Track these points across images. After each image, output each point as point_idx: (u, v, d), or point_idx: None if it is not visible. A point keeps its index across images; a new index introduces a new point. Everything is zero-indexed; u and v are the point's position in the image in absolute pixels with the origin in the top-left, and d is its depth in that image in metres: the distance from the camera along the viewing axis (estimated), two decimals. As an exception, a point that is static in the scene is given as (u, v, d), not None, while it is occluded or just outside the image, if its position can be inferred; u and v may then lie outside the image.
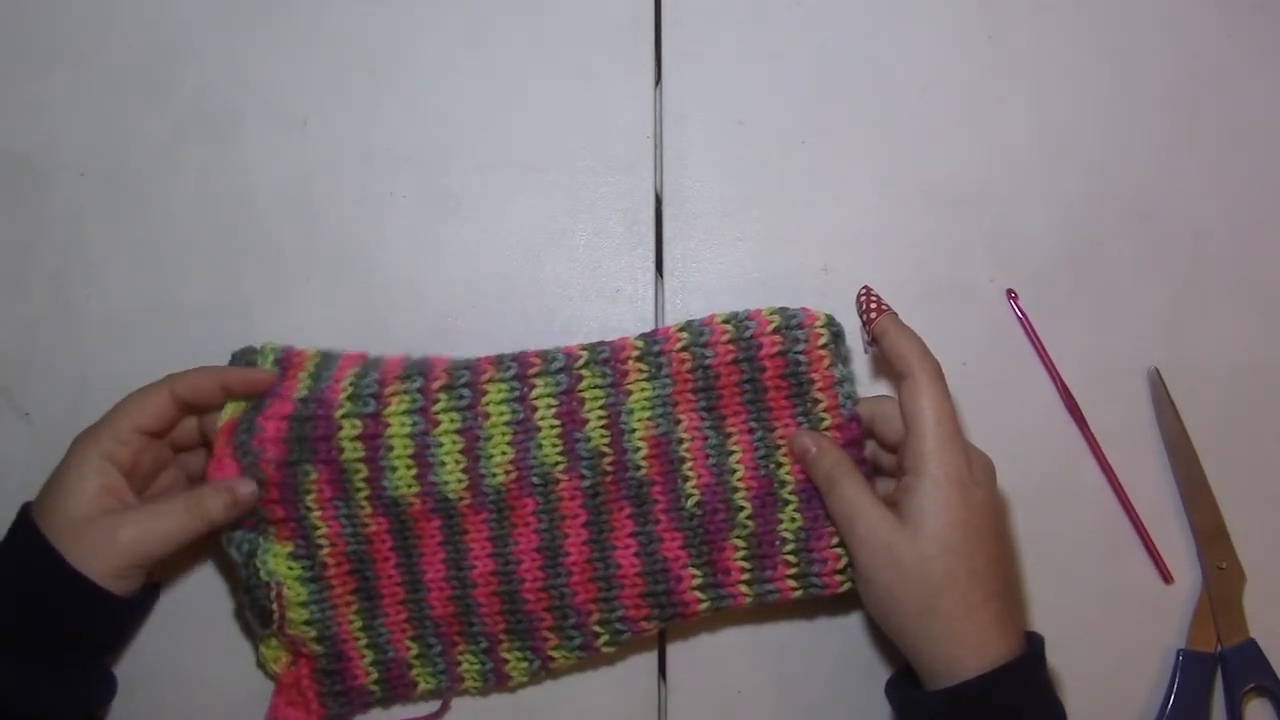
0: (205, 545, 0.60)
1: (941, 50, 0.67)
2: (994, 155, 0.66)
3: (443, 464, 0.56)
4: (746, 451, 0.57)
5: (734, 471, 0.57)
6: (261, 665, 0.58)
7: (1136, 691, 0.62)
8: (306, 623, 0.56)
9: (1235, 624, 0.61)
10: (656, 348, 0.57)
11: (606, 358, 0.57)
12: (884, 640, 0.59)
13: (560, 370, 0.57)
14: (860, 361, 0.62)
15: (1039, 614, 0.61)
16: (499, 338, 0.61)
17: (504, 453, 0.57)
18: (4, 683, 0.51)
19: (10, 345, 0.62)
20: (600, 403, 0.57)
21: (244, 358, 0.57)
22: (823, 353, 0.56)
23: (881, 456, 0.57)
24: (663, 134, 0.65)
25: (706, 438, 0.57)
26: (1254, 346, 0.65)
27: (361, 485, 0.56)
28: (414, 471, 0.56)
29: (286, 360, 0.57)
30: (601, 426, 0.57)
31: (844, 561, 0.55)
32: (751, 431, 0.57)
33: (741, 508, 0.57)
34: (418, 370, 0.57)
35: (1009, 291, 0.64)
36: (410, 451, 0.56)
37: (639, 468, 0.57)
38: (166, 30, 0.65)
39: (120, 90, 0.65)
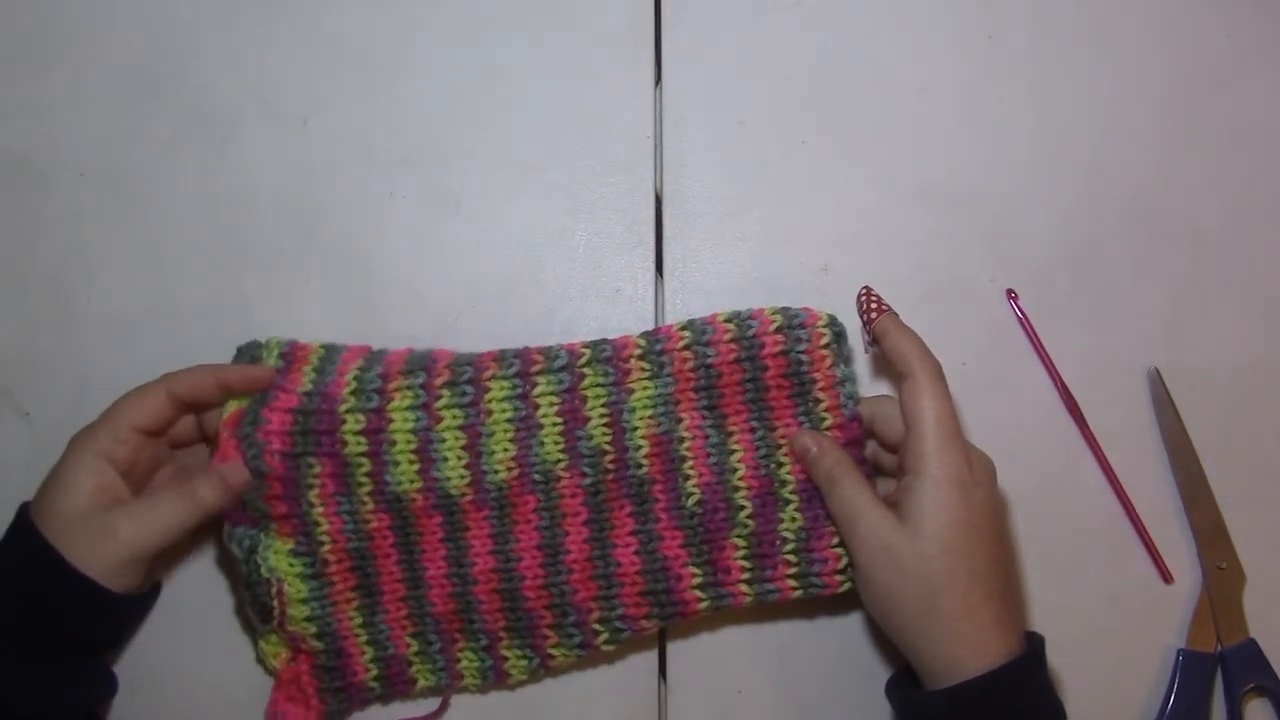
0: (205, 542, 0.60)
1: (941, 50, 0.67)
2: (994, 155, 0.66)
3: (445, 460, 0.56)
4: (747, 451, 0.57)
5: (735, 471, 0.57)
6: (261, 661, 0.58)
7: (1136, 691, 0.62)
8: (307, 619, 0.56)
9: (1235, 624, 0.61)
10: (659, 346, 0.57)
11: (609, 356, 0.57)
12: (884, 640, 0.59)
13: (563, 368, 0.57)
14: (861, 361, 0.62)
15: (1039, 614, 0.61)
16: (499, 338, 0.61)
17: (506, 450, 0.57)
18: (3, 682, 0.51)
19: (10, 345, 0.62)
20: (602, 401, 0.57)
21: (249, 352, 0.57)
22: (824, 352, 0.56)
23: (882, 456, 0.57)
24: (663, 134, 0.65)
25: (708, 437, 0.57)
26: (1254, 346, 0.65)
27: (364, 480, 0.56)
28: (416, 467, 0.56)
29: (291, 354, 0.57)
30: (603, 425, 0.57)
31: (844, 561, 0.55)
32: (753, 431, 0.57)
33: (742, 507, 0.57)
34: (420, 365, 0.57)
35: (1009, 291, 0.64)
36: (413, 447, 0.56)
37: (640, 466, 0.57)
38: (166, 30, 0.65)
39: (120, 90, 0.65)
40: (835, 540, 0.55)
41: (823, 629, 0.61)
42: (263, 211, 0.64)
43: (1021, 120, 0.66)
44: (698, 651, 0.61)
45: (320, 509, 0.56)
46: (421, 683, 0.58)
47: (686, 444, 0.57)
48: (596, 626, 0.57)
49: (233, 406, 0.55)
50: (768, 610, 0.60)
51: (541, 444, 0.57)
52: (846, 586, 0.55)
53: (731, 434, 0.57)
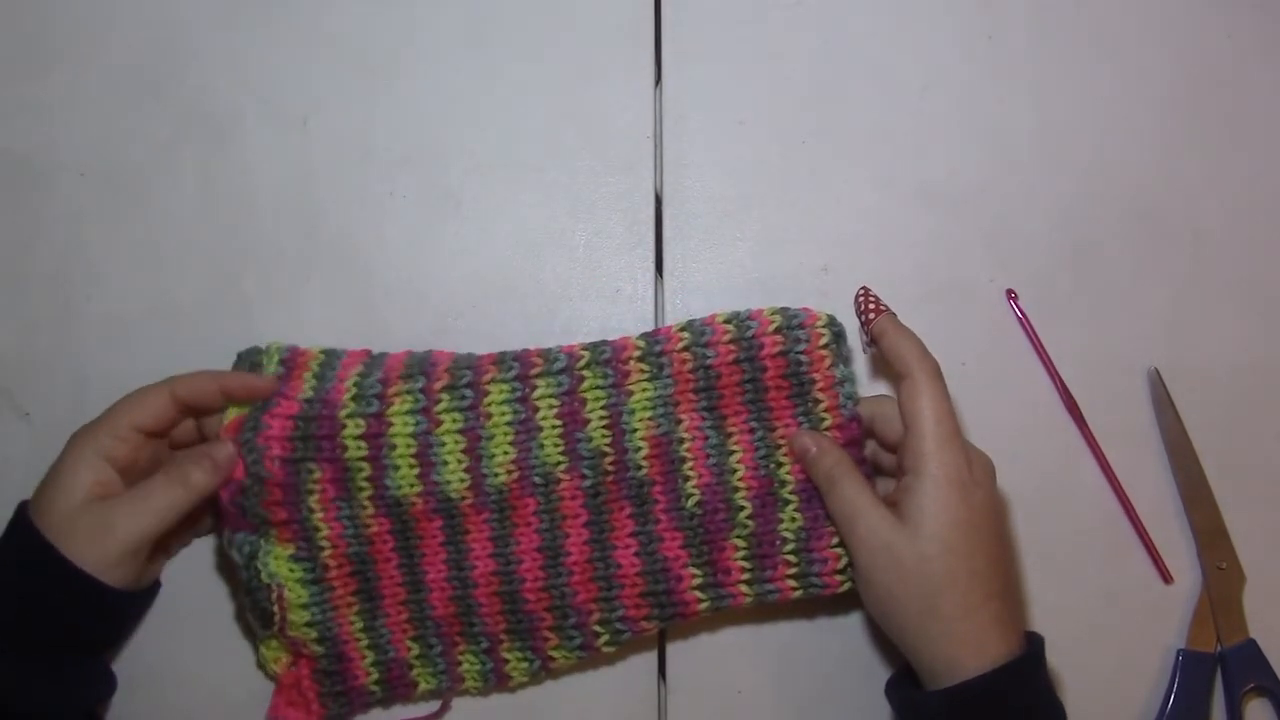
0: (206, 543, 0.60)
1: (941, 50, 0.67)
2: (994, 155, 0.66)
3: (445, 463, 0.56)
4: (747, 451, 0.57)
5: (734, 471, 0.57)
6: (262, 666, 0.58)
7: (1136, 691, 0.62)
8: (307, 624, 0.56)
9: (1235, 624, 0.61)
10: (658, 348, 0.57)
11: (608, 358, 0.57)
12: (884, 640, 0.59)
13: (562, 371, 0.57)
14: (860, 361, 0.62)
15: (1039, 614, 0.61)
16: (499, 338, 0.61)
17: (506, 453, 0.57)
18: (2, 681, 0.51)
19: (10, 345, 0.62)
20: (602, 403, 0.57)
21: (249, 358, 0.57)
22: (824, 353, 0.56)
23: (881, 456, 0.57)
24: (663, 134, 0.65)
25: (707, 437, 0.57)
26: (1254, 346, 0.65)
27: (364, 485, 0.56)
28: (416, 471, 0.56)
29: (291, 360, 0.57)
30: (603, 426, 0.57)
31: (844, 561, 0.55)
32: (752, 431, 0.57)
33: (742, 507, 0.57)
34: (420, 369, 0.57)
35: (1009, 291, 0.64)
36: (413, 451, 0.56)
37: (640, 467, 0.57)
38: (166, 30, 0.65)
39: (120, 90, 0.65)
40: (835, 540, 0.55)
41: (823, 629, 0.61)
42: (263, 211, 0.64)
43: (1021, 120, 0.66)
44: (697, 652, 0.61)
45: (320, 514, 0.56)
46: (423, 685, 0.58)
47: (686, 445, 0.57)
48: (597, 628, 0.57)
49: (233, 413, 0.55)
50: (767, 610, 0.60)
51: (541, 446, 0.57)
52: (846, 586, 0.55)
53: (731, 434, 0.57)
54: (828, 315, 0.57)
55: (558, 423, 0.57)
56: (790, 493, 0.56)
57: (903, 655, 0.53)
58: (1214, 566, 0.62)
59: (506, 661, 0.58)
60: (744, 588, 0.56)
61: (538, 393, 0.57)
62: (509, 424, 0.57)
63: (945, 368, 0.53)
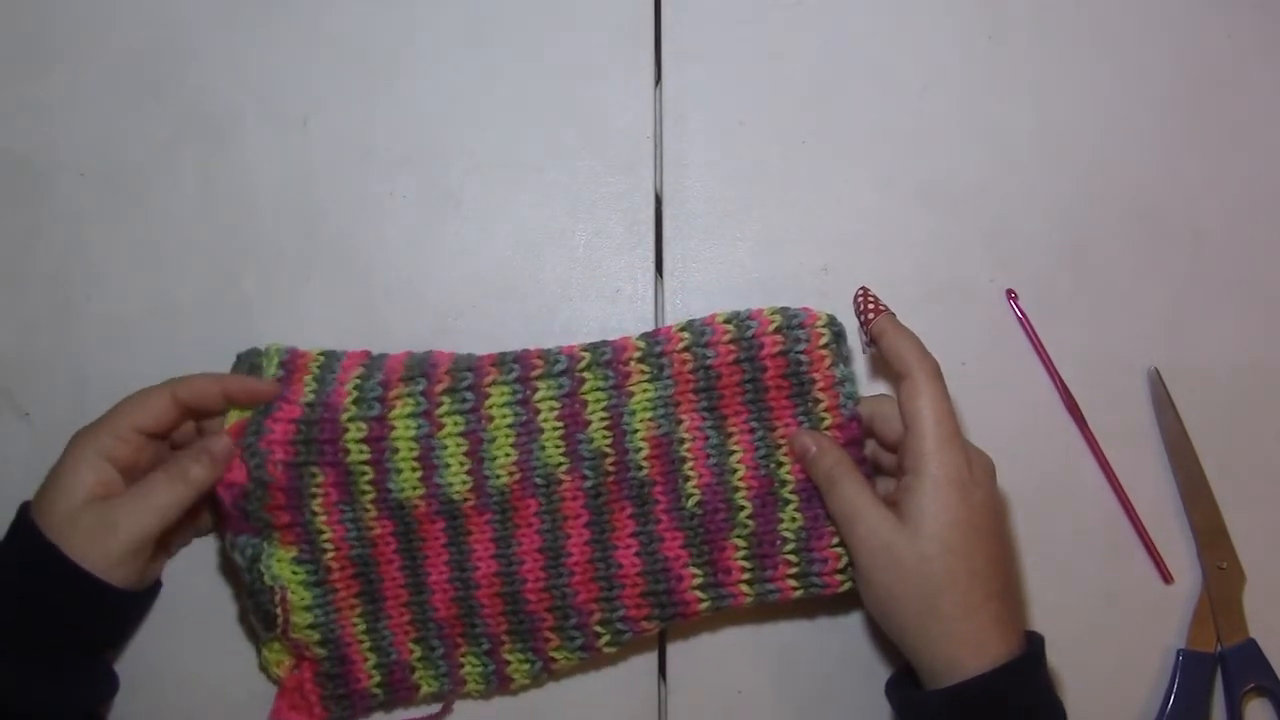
0: (208, 544, 0.60)
1: (941, 50, 0.67)
2: (994, 155, 0.66)
3: (447, 466, 0.56)
4: (747, 451, 0.57)
5: (735, 471, 0.57)
6: (264, 669, 0.58)
7: (1136, 691, 0.62)
8: (310, 626, 0.56)
9: (1235, 624, 0.61)
10: (658, 348, 0.57)
11: (609, 359, 0.57)
12: (884, 640, 0.59)
13: (562, 373, 0.57)
14: (860, 361, 0.62)
15: (1039, 614, 0.61)
16: (499, 338, 0.61)
17: (508, 454, 0.57)
18: (4, 681, 0.51)
19: (10, 345, 0.62)
20: (602, 404, 0.57)
21: (249, 360, 0.57)
22: (824, 353, 0.56)
23: (881, 456, 0.57)
24: (663, 134, 0.65)
25: (708, 438, 0.57)
26: (1254, 346, 0.65)
27: (367, 488, 0.56)
28: (419, 474, 0.56)
29: (291, 362, 0.57)
30: (604, 427, 0.57)
31: (844, 561, 0.55)
32: (752, 431, 0.57)
33: (742, 507, 0.57)
34: (420, 371, 0.57)
35: (1009, 291, 0.64)
36: (415, 454, 0.56)
37: (641, 468, 0.57)
38: (166, 30, 0.65)
39: (120, 90, 0.65)
40: (835, 540, 0.55)
41: (823, 629, 0.61)
42: (263, 211, 0.64)
43: (1021, 120, 0.66)
44: (698, 652, 0.61)
45: (323, 517, 0.56)
46: (424, 689, 0.58)
47: (686, 445, 0.57)
48: (598, 628, 0.57)
49: (234, 417, 0.55)
50: (768, 610, 0.60)
51: (543, 448, 0.57)
52: (847, 586, 0.55)
53: (731, 434, 0.57)
54: (828, 315, 0.57)
55: (559, 424, 0.57)
56: (790, 492, 0.56)
57: (903, 655, 0.53)
58: (1214, 566, 0.62)
59: (508, 663, 0.58)
60: (744, 587, 0.56)
61: (539, 395, 0.57)
62: (510, 426, 0.57)
63: (945, 368, 0.53)
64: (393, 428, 0.56)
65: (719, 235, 0.65)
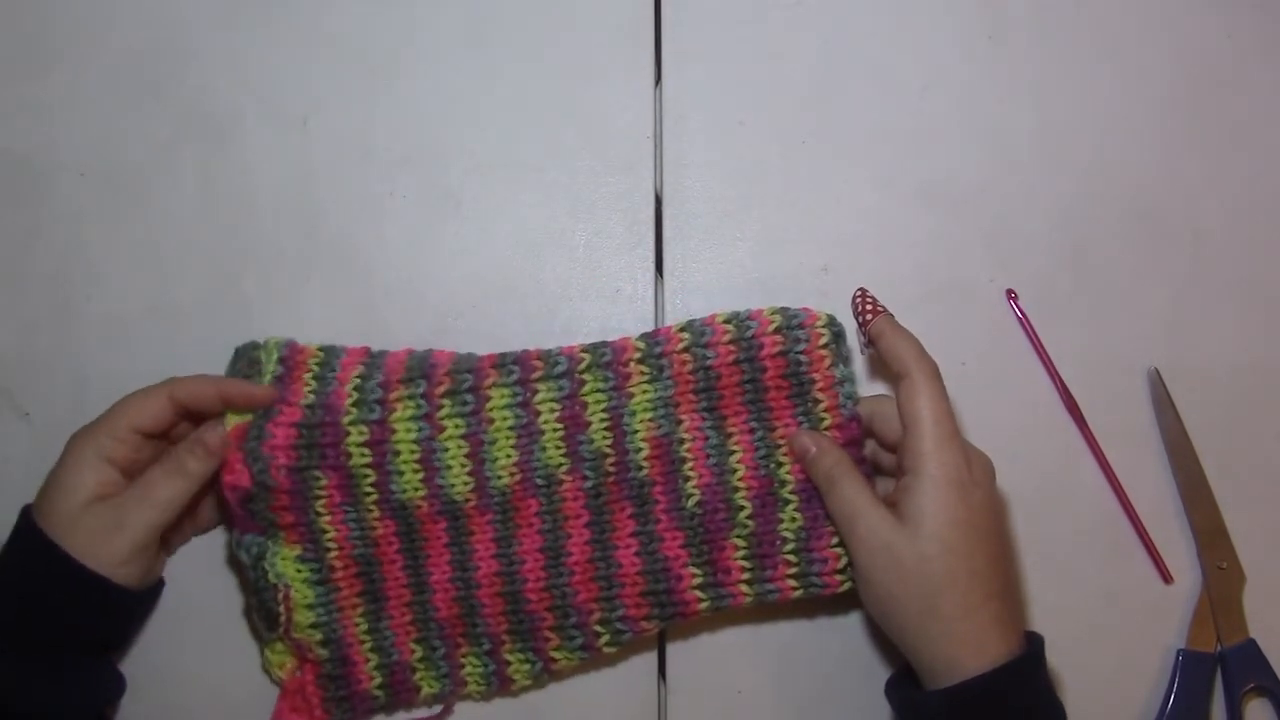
0: (211, 544, 0.60)
1: (941, 50, 0.67)
2: (994, 155, 0.66)
3: (449, 467, 0.57)
4: (747, 451, 0.57)
5: (734, 471, 0.57)
6: (266, 671, 0.58)
7: (1136, 691, 0.62)
8: (312, 626, 0.56)
9: (1235, 624, 0.61)
10: (658, 349, 0.57)
11: (609, 361, 0.57)
12: (884, 640, 0.59)
13: (563, 374, 0.57)
14: (859, 361, 0.62)
15: (1039, 614, 0.61)
16: (499, 338, 0.61)
17: (508, 455, 0.57)
18: (13, 684, 0.51)
19: (10, 345, 0.62)
20: (603, 405, 0.57)
21: (247, 354, 0.57)
22: (824, 353, 0.56)
23: (881, 456, 0.57)
24: (663, 134, 0.65)
25: (707, 438, 0.57)
26: (1254, 346, 0.65)
27: (370, 490, 0.56)
28: (421, 475, 0.56)
29: (290, 358, 0.57)
30: (604, 428, 0.57)
31: (844, 561, 0.55)
32: (752, 431, 0.57)
33: (742, 507, 0.57)
34: (420, 372, 0.57)
35: (1009, 291, 0.64)
36: (417, 456, 0.56)
37: (641, 468, 0.57)
38: (166, 30, 0.65)
39: (120, 90, 0.65)
40: (835, 540, 0.55)
41: (823, 629, 0.61)
42: (263, 211, 0.64)
43: (1021, 120, 0.66)
44: (698, 652, 0.61)
45: (327, 517, 0.56)
46: (425, 690, 0.58)
47: (686, 445, 0.57)
48: (598, 628, 0.57)
49: (233, 420, 0.55)
50: (768, 610, 0.60)
51: (543, 449, 0.57)
52: (847, 586, 0.55)
53: (731, 435, 0.57)
54: (827, 315, 0.57)
55: (559, 426, 0.57)
56: (790, 492, 0.56)
57: (903, 655, 0.53)
58: (1214, 566, 0.62)
59: (509, 663, 0.58)
60: (744, 587, 0.56)
61: (539, 397, 0.57)
62: (511, 428, 0.57)
63: (945, 368, 0.53)
64: (394, 431, 0.56)
65: (719, 235, 0.65)
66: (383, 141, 0.64)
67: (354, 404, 0.56)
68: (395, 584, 0.58)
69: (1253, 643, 0.61)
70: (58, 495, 0.53)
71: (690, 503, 0.57)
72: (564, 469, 0.57)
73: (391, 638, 0.58)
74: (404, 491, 0.56)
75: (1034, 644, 0.51)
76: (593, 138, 0.65)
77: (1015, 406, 0.63)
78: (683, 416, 0.57)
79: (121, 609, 0.55)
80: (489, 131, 0.65)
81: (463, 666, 0.58)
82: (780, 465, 0.57)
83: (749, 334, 0.56)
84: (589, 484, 0.57)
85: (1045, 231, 0.65)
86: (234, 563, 0.59)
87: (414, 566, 0.57)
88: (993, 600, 0.50)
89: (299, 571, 0.56)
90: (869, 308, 0.55)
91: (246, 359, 0.57)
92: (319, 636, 0.56)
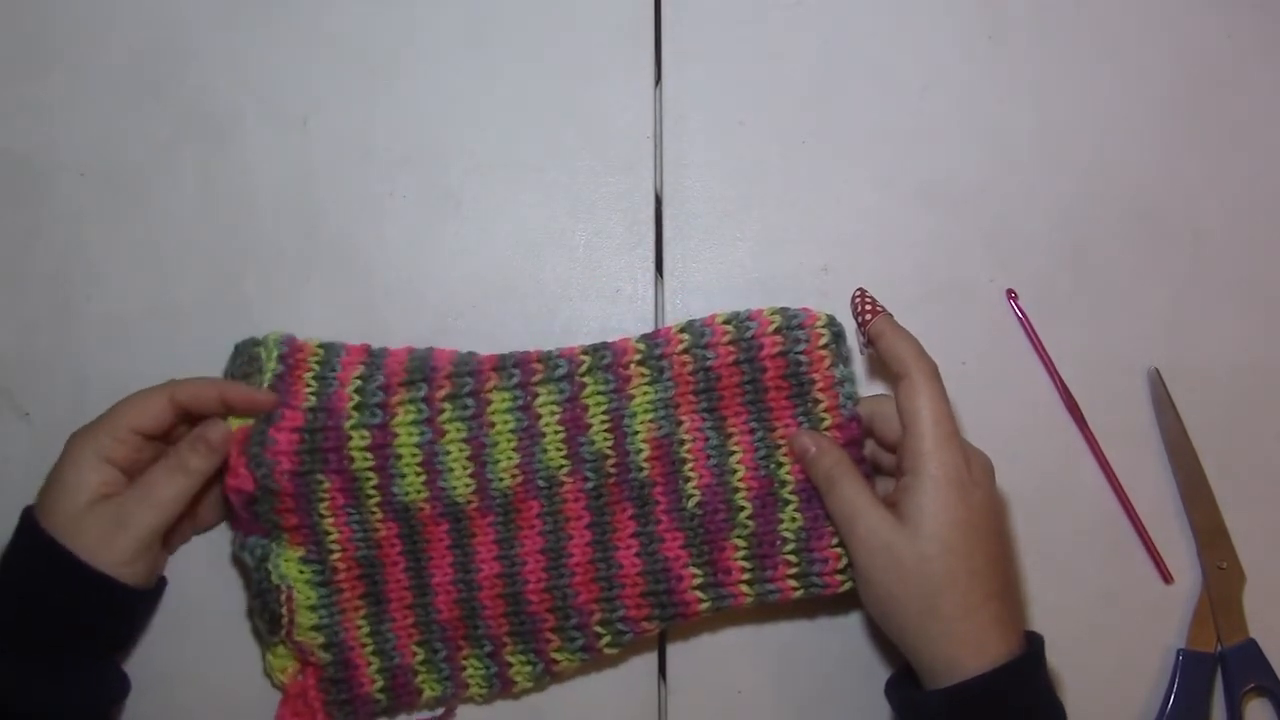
0: (213, 546, 0.60)
1: (941, 50, 0.67)
2: (994, 155, 0.66)
3: (451, 470, 0.57)
4: (747, 452, 0.57)
5: (735, 472, 0.57)
6: (268, 675, 0.58)
7: (1136, 691, 0.62)
8: (314, 628, 0.56)
9: (1235, 624, 0.61)
10: (658, 351, 0.57)
11: (609, 363, 0.57)
12: (884, 640, 0.59)
13: (563, 377, 0.57)
14: (859, 361, 0.62)
15: (1039, 614, 0.61)
16: (499, 338, 0.61)
17: (510, 458, 0.57)
18: (19, 687, 0.51)
19: (10, 345, 0.62)
20: (603, 407, 0.57)
21: (247, 351, 0.57)
22: (823, 353, 0.56)
23: (881, 456, 0.57)
24: (663, 134, 0.65)
25: (708, 438, 0.57)
26: (1254, 346, 0.65)
27: (372, 492, 0.57)
28: (423, 478, 0.57)
29: (290, 355, 0.57)
30: (605, 429, 0.57)
31: (844, 561, 0.55)
32: (752, 432, 0.57)
33: (742, 508, 0.57)
34: (421, 374, 0.57)
35: (1009, 291, 0.64)
36: (419, 459, 0.56)
37: (641, 469, 0.57)
38: (166, 30, 0.65)
39: (120, 90, 0.65)
40: (835, 540, 0.55)
41: (823, 629, 0.61)
42: (263, 211, 0.64)
43: (1021, 120, 0.66)
44: (698, 652, 0.61)
45: (330, 519, 0.56)
46: (427, 692, 0.58)
47: (687, 446, 0.57)
48: (598, 629, 0.57)
49: (236, 423, 0.56)
50: (768, 610, 0.60)
51: (545, 451, 0.57)
52: (847, 586, 0.55)
53: (731, 435, 0.57)
54: (827, 315, 0.57)
55: (560, 428, 0.57)
56: (790, 493, 0.56)
57: (903, 655, 0.53)
58: (1214, 566, 0.62)
59: (510, 665, 0.58)
60: (744, 588, 0.56)
61: (539, 400, 0.57)
62: (512, 431, 0.57)
63: (945, 368, 0.53)
64: (395, 435, 0.56)
65: (719, 235, 0.65)
66: (383, 141, 0.64)
67: (355, 407, 0.56)
68: (397, 586, 0.58)
69: (1253, 643, 0.61)
70: (59, 495, 0.53)
71: (691, 503, 0.57)
72: (565, 470, 0.57)
73: (393, 640, 0.58)
74: (406, 494, 0.57)
75: (1034, 644, 0.51)
76: (593, 138, 0.65)
77: (1015, 406, 0.63)
78: (683, 417, 0.57)
79: (127, 608, 0.55)
80: (489, 131, 0.65)
81: (464, 669, 0.58)
82: (780, 465, 0.57)
83: (749, 334, 0.56)
84: (590, 485, 0.57)
85: (1045, 231, 0.65)
86: (238, 564, 0.59)
87: (416, 568, 0.57)
88: (993, 600, 0.50)
89: (302, 573, 0.56)
90: (868, 308, 0.55)
91: (246, 356, 0.57)
92: (321, 639, 0.57)
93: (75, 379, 0.62)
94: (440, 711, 0.59)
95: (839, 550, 0.55)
